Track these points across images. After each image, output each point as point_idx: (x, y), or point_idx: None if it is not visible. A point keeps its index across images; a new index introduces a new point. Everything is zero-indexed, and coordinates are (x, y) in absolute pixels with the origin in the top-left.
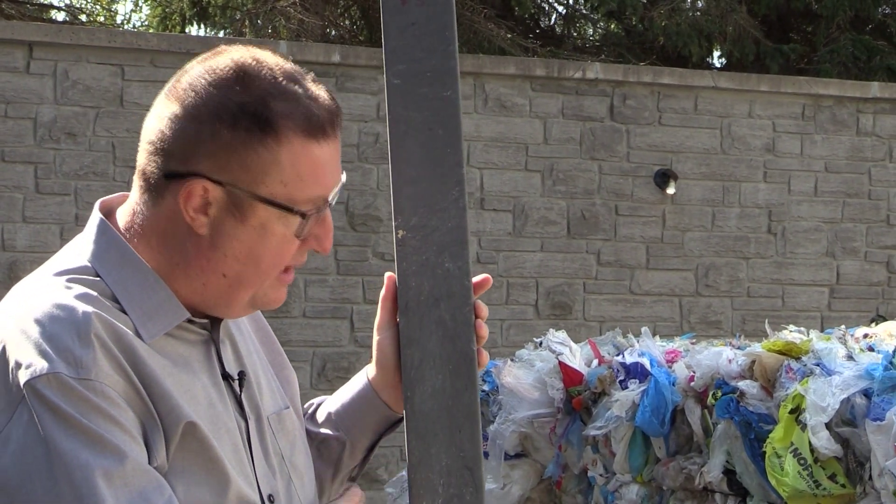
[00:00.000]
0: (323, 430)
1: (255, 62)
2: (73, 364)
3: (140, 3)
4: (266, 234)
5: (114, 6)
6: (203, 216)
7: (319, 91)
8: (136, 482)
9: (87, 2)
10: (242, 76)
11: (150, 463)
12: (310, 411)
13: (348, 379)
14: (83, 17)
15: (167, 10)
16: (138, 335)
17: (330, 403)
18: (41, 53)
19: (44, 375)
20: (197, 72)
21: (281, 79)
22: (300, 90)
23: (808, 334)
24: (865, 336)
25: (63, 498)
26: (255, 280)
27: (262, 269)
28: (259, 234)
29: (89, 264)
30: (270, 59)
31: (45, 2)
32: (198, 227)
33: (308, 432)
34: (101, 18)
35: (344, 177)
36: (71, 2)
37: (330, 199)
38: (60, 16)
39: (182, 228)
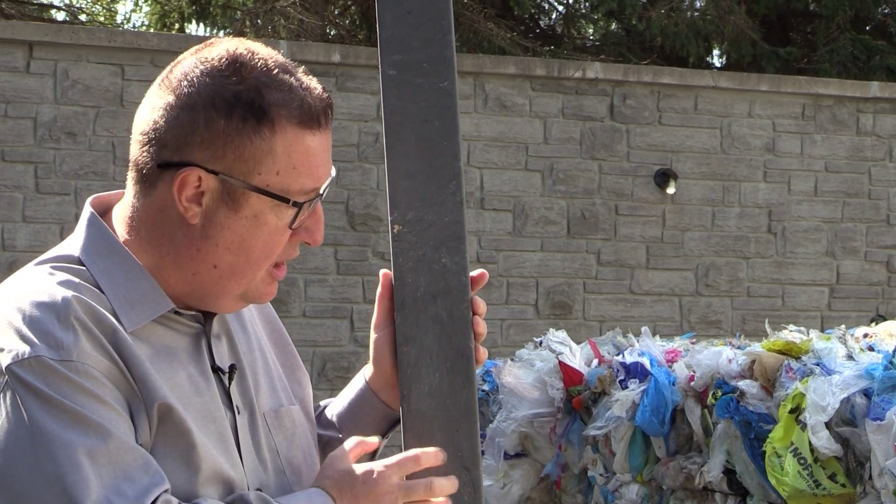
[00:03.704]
0: (326, 433)
1: (248, 52)
2: (54, 346)
3: (140, 3)
4: (259, 224)
5: (114, 6)
6: (196, 206)
7: (311, 82)
8: (121, 460)
9: (87, 2)
10: (237, 66)
11: (136, 441)
12: (314, 414)
13: (348, 379)
14: (83, 17)
15: (166, 7)
16: (120, 324)
17: (333, 406)
18: (41, 53)
19: (25, 359)
20: (191, 62)
21: (274, 69)
22: (294, 80)
23: (808, 334)
24: (865, 336)
25: (47, 476)
26: (247, 272)
27: (253, 261)
28: (252, 224)
29: (75, 254)
30: (263, 51)
31: (45, 2)
32: (190, 217)
33: None
34: (101, 18)
35: (334, 171)
36: (71, 2)
37: (322, 190)
38: (60, 16)
39: (173, 219)
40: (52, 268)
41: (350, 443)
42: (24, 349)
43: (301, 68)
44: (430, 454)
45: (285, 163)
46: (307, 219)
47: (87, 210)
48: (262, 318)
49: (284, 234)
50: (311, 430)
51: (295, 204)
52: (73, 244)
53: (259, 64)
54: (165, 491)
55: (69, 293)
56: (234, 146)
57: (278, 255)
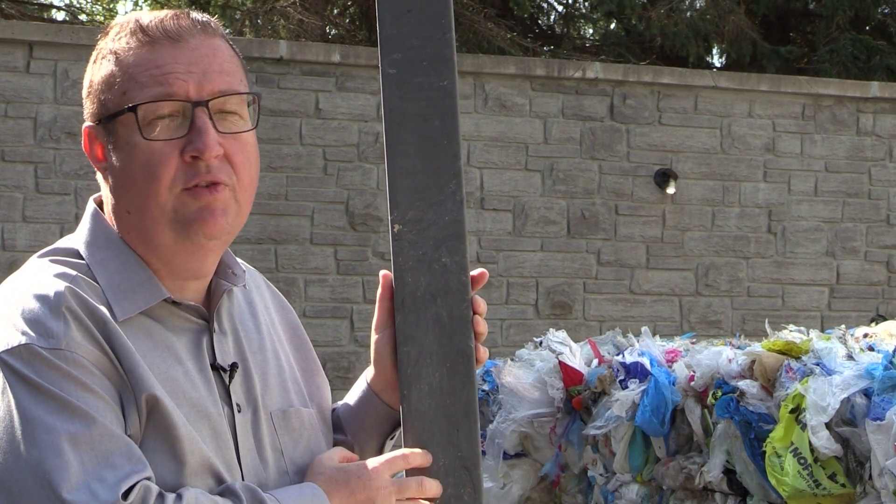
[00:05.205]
0: (334, 436)
1: (131, 16)
2: (44, 335)
3: (140, 3)
4: (131, 149)
5: (114, 6)
6: (100, 161)
7: (165, 14)
8: (104, 447)
9: (87, 2)
10: (110, 26)
11: (126, 431)
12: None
13: (348, 378)
14: (83, 17)
15: (165, 7)
16: (113, 313)
17: (340, 408)
18: (41, 53)
19: (15, 347)
20: None
21: (132, 16)
22: (143, 18)
23: (808, 334)
24: (865, 336)
25: (30, 462)
26: (148, 204)
27: (142, 188)
28: (127, 152)
29: (75, 247)
30: (142, 12)
31: (45, 2)
32: (101, 174)
33: None
34: (101, 18)
35: (226, 85)
36: (71, 2)
37: (193, 97)
38: (60, 16)
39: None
40: (51, 261)
41: (334, 451)
42: (16, 338)
43: (182, 14)
44: (419, 454)
45: (125, 79)
46: (190, 134)
47: (90, 206)
48: (284, 323)
49: (163, 153)
50: (325, 434)
51: (130, 108)
52: (75, 237)
53: (128, 17)
54: (147, 478)
55: (63, 285)
56: (96, 90)
57: (180, 179)
